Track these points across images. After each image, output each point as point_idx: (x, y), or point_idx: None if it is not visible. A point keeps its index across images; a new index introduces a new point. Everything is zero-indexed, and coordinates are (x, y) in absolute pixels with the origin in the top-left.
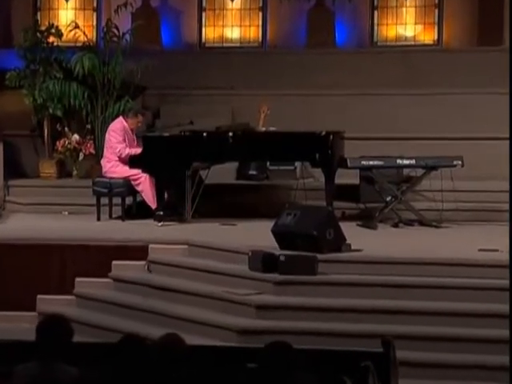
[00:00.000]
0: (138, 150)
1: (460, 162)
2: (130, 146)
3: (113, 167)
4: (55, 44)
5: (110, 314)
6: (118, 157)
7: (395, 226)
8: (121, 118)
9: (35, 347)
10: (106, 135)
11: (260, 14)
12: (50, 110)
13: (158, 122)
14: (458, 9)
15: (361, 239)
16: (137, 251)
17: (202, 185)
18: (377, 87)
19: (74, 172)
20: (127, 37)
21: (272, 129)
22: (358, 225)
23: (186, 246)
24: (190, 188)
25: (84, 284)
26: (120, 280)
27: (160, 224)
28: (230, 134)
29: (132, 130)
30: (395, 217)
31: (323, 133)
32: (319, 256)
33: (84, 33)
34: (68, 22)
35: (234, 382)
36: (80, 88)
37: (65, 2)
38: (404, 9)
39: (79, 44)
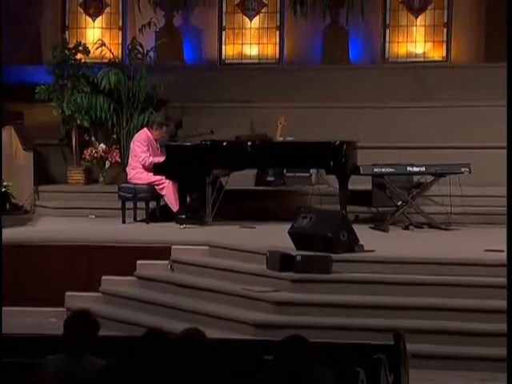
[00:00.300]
0: (161, 159)
1: (467, 169)
2: (154, 154)
3: (137, 174)
4: (83, 61)
5: (135, 310)
6: (142, 165)
7: (406, 228)
8: (145, 129)
9: (64, 341)
10: (131, 145)
11: (277, 32)
12: (78, 121)
13: (180, 132)
14: (465, 27)
15: (373, 241)
16: (160, 252)
17: (222, 190)
18: (388, 100)
19: (101, 179)
20: (151, 54)
21: (289, 139)
22: (370, 227)
23: (206, 247)
24: (210, 193)
25: (110, 282)
26: (144, 278)
27: (182, 226)
28: (249, 143)
29: (156, 140)
30: (406, 220)
31: (337, 142)
32: (334, 256)
33: (110, 50)
34: (95, 40)
35: (251, 373)
36: (106, 101)
37: (92, 22)
38: (414, 28)
39: (105, 60)
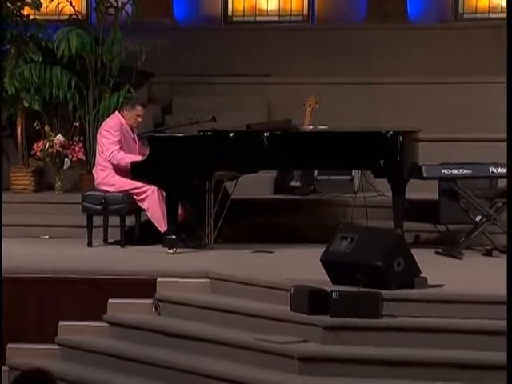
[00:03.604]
0: (138, 157)
1: None
2: (130, 149)
3: (108, 177)
4: (32, 17)
5: (105, 369)
6: (110, 162)
7: (487, 254)
8: (116, 114)
9: None
10: (98, 136)
11: None
12: (25, 103)
13: (168, 119)
14: None
15: (441, 272)
16: (141, 287)
17: (227, 200)
18: (461, 74)
19: (57, 184)
20: (128, 8)
21: (321, 127)
22: (437, 253)
23: (206, 280)
24: (211, 204)
25: (70, 329)
26: (118, 324)
27: (172, 251)
28: (266, 133)
29: (132, 127)
30: (487, 242)
31: (390, 132)
32: (385, 293)
33: (70, 3)
34: None
35: None
36: (65, 74)
37: None
38: None
39: (64, 17)
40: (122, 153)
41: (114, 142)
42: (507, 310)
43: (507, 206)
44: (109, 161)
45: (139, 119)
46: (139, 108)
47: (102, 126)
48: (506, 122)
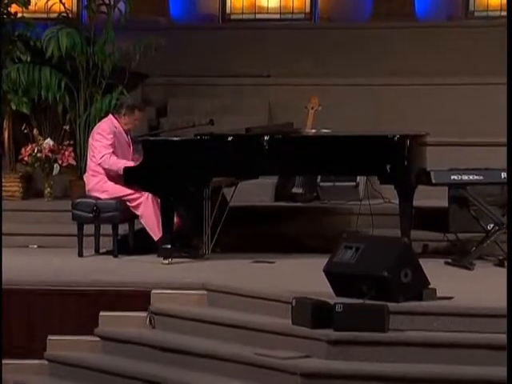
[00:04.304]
0: (130, 163)
1: None
2: (124, 153)
3: (100, 183)
4: (19, 15)
5: None
6: (101, 166)
7: (500, 264)
8: (110, 117)
9: None
10: (90, 140)
11: None
12: (13, 106)
13: (164, 122)
14: None
15: (450, 283)
16: (135, 299)
17: (225, 208)
18: (472, 75)
19: (47, 190)
20: (121, 5)
21: (324, 131)
22: (446, 263)
23: (203, 292)
24: (209, 212)
25: (60, 344)
26: (110, 339)
27: (167, 261)
28: (266, 137)
29: (126, 131)
30: (499, 252)
31: (397, 136)
32: (391, 306)
33: (60, 0)
34: None
35: None
36: (55, 75)
37: None
38: None
39: (53, 15)
40: (115, 157)
41: (107, 146)
42: (507, 311)
43: (508, 205)
44: (99, 165)
45: (136, 123)
46: (138, 113)
47: (95, 129)
48: (506, 122)
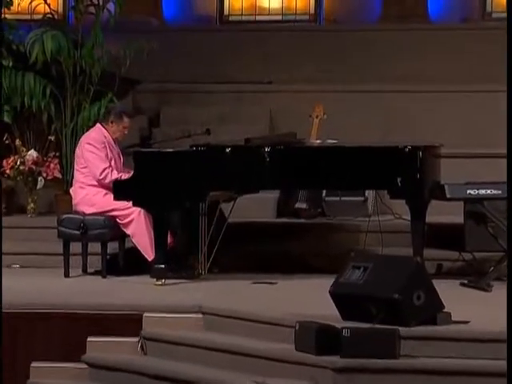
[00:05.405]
0: (125, 175)
1: None
2: (116, 166)
3: (88, 195)
4: (1, 17)
5: None
6: (100, 183)
7: None
8: (98, 126)
9: None
10: (77, 150)
11: None
12: None
13: (156, 132)
14: None
15: (466, 306)
16: (125, 323)
17: (223, 224)
18: (489, 81)
19: (30, 205)
20: (110, 6)
21: (330, 141)
22: (462, 284)
23: (199, 316)
24: (205, 229)
25: (44, 371)
26: (99, 366)
27: (160, 282)
28: (267, 149)
29: (115, 140)
30: None
31: (408, 147)
32: (402, 331)
33: (45, 0)
34: None
35: None
36: (39, 81)
37: None
38: None
39: (38, 17)
40: (115, 172)
41: (103, 159)
42: (507, 312)
43: (508, 206)
44: (98, 181)
45: (125, 132)
46: (126, 120)
47: (83, 138)
48: (507, 125)
